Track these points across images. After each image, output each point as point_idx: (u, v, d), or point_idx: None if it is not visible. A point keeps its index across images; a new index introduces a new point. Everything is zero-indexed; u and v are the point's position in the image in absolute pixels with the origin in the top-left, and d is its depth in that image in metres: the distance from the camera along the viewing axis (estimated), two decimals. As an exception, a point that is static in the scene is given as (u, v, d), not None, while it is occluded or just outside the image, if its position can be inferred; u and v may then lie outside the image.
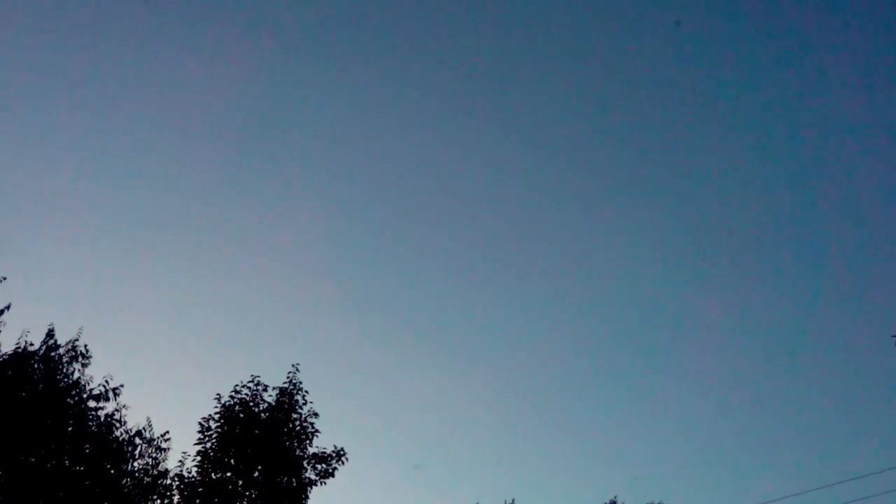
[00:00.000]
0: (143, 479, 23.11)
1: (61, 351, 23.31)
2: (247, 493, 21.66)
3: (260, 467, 22.02)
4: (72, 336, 23.65)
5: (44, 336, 23.42)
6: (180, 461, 22.30)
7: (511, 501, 28.00)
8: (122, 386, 23.56)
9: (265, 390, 23.09)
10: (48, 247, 57.20)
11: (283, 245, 67.58)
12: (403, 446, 56.48)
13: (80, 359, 23.41)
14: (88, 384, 23.27)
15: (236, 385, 22.97)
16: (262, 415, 22.63)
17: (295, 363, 23.50)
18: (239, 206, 66.19)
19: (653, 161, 69.30)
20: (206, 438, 22.19)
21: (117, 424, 23.29)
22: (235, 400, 22.72)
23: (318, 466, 22.55)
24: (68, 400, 22.68)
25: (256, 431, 22.26)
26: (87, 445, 22.51)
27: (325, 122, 68.77)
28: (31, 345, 23.06)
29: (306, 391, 23.23)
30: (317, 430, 22.92)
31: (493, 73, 72.56)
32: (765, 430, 55.33)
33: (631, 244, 66.59)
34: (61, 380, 22.84)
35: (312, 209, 67.36)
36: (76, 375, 23.21)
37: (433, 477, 53.43)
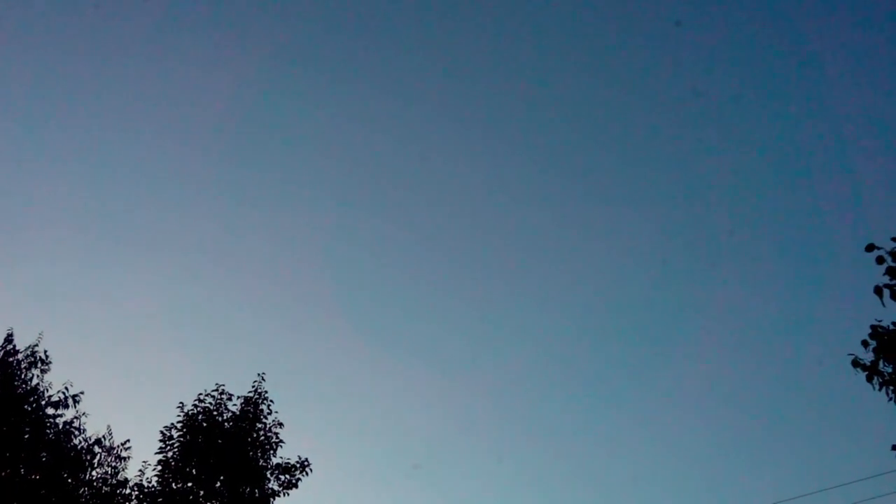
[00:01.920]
0: (101, 488, 22.67)
1: (20, 357, 22.88)
2: (208, 504, 21.37)
3: (222, 477, 21.77)
4: (31, 341, 23.29)
5: (2, 341, 22.98)
6: (140, 470, 22.09)
7: None
8: (81, 393, 23.26)
9: (230, 399, 22.89)
10: (8, 251, 56.18)
11: (271, 251, 67.02)
12: (403, 446, 56.36)
13: (39, 365, 23.04)
14: (47, 391, 22.92)
15: (200, 394, 22.82)
16: (226, 424, 22.40)
17: (261, 372, 23.39)
18: (203, 212, 65.62)
19: (651, 161, 69.73)
20: (168, 447, 21.94)
21: (76, 432, 22.90)
22: (199, 409, 22.48)
23: (282, 477, 22.36)
24: (26, 407, 22.25)
25: (219, 441, 22.01)
26: (45, 453, 22.06)
27: (306, 127, 68.45)
28: (-11, 350, 22.61)
29: (271, 401, 23.13)
30: (281, 441, 22.78)
31: (489, 75, 72.68)
32: (763, 433, 55.57)
33: (629, 245, 67.09)
34: (19, 386, 22.40)
35: (292, 214, 66.98)
36: (35, 382, 22.82)
37: (433, 477, 53.47)
